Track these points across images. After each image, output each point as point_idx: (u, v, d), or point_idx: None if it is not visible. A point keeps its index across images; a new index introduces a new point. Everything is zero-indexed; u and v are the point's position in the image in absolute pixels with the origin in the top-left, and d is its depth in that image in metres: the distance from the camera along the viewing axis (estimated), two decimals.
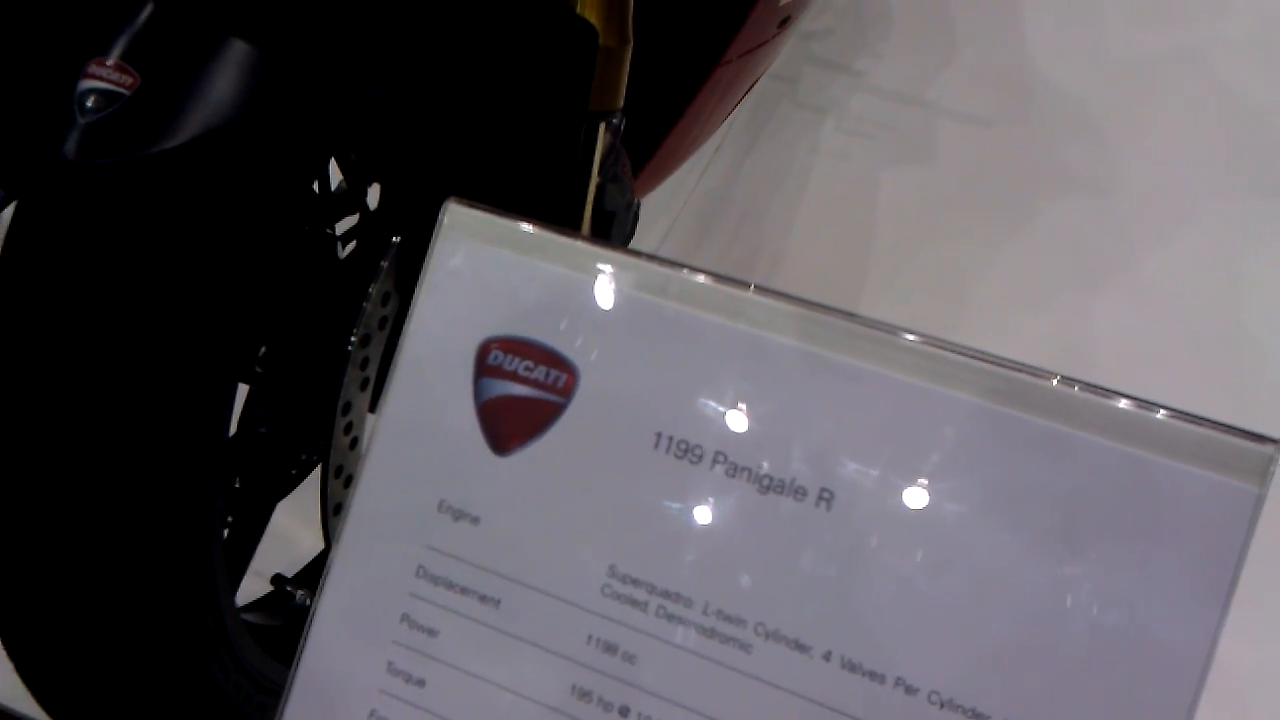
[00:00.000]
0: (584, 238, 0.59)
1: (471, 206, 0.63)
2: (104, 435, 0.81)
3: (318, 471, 1.11)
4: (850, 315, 0.58)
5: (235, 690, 0.95)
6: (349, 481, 1.10)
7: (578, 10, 0.98)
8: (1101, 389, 0.54)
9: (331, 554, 0.63)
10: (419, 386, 0.63)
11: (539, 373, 0.61)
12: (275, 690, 1.00)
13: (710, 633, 0.57)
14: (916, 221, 1.92)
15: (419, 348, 0.63)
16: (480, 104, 1.02)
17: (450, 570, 0.61)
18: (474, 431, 0.62)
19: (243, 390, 1.03)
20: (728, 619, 0.57)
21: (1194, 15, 2.15)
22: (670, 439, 0.59)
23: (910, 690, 0.54)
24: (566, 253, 0.61)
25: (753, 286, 0.59)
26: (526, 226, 0.62)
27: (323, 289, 1.04)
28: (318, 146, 0.90)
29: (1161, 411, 0.54)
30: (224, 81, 0.80)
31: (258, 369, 1.06)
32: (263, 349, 1.05)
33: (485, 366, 0.62)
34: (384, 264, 1.03)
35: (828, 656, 0.55)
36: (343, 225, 1.10)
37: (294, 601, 1.13)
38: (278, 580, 1.13)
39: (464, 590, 0.61)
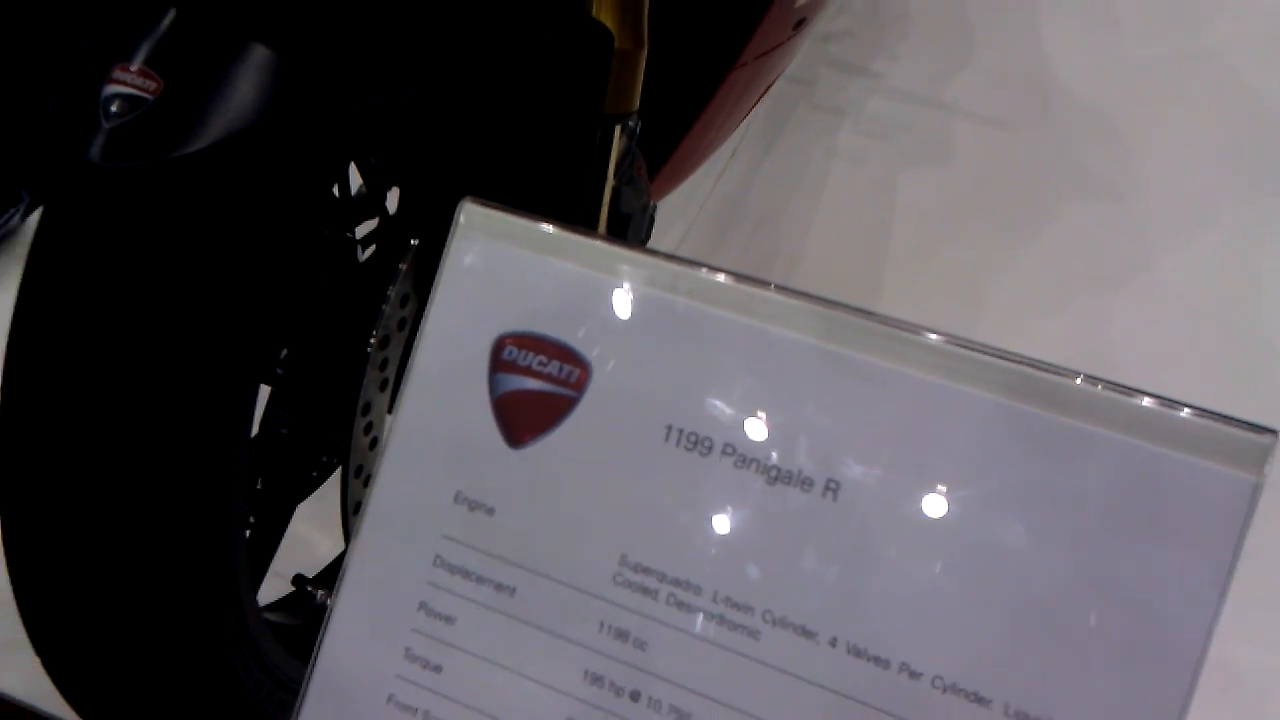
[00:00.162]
0: (596, 235, 0.61)
1: (486, 206, 0.64)
2: (129, 435, 0.82)
3: (337, 474, 1.12)
4: (856, 310, 0.59)
5: (257, 687, 0.96)
6: (369, 481, 1.11)
7: (593, 13, 0.99)
8: (1103, 382, 0.55)
9: (351, 545, 0.64)
10: (436, 381, 0.64)
11: (552, 367, 0.62)
12: (295, 688, 1.00)
13: (719, 620, 0.58)
14: (933, 224, 1.92)
15: (436, 344, 0.64)
16: (496, 107, 1.02)
17: (466, 560, 0.63)
18: (489, 425, 0.63)
19: (264, 393, 1.04)
20: (736, 606, 0.58)
21: (1208, 18, 2.15)
22: (680, 431, 0.60)
23: (914, 675, 0.55)
24: (579, 250, 0.63)
25: (773, 285, 0.60)
26: (540, 225, 0.63)
27: (343, 292, 1.05)
28: (337, 150, 0.91)
29: (1161, 403, 0.55)
30: (245, 86, 0.81)
31: (279, 371, 1.07)
32: (284, 351, 1.06)
33: (500, 362, 0.63)
34: (402, 266, 1.04)
35: (834, 643, 0.56)
36: (362, 229, 1.11)
37: (314, 601, 1.14)
38: (299, 580, 1.14)
39: (480, 579, 0.62)
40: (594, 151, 1.04)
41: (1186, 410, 0.54)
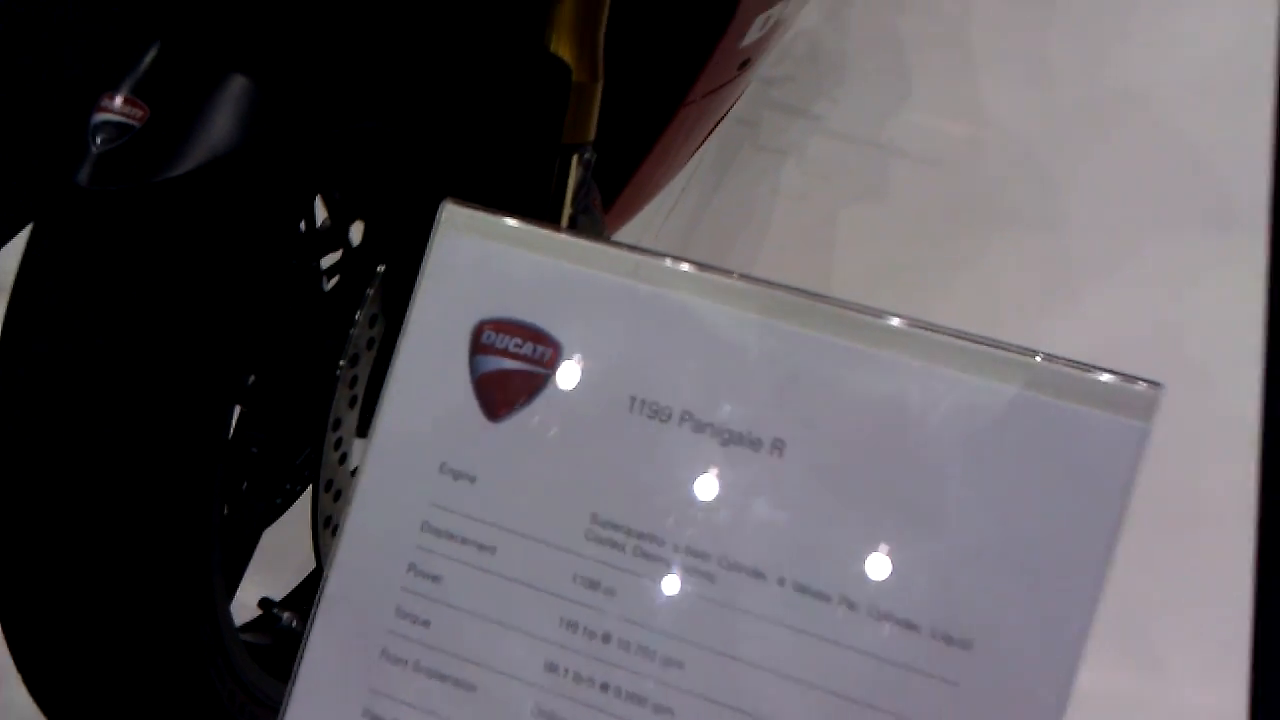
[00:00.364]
0: (565, 230, 0.68)
1: (466, 205, 0.71)
2: (112, 449, 0.84)
3: (306, 496, 1.13)
4: (799, 290, 0.66)
5: (230, 699, 0.98)
6: (339, 496, 1.13)
7: (551, 48, 1.02)
8: (1014, 346, 0.63)
9: (345, 513, 0.69)
10: (421, 364, 0.69)
11: (526, 348, 0.68)
12: (268, 703, 1.02)
13: (680, 567, 0.65)
14: (872, 258, 1.97)
15: (421, 330, 0.70)
16: (458, 137, 1.05)
17: (451, 524, 0.68)
18: (470, 402, 0.69)
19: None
20: (695, 554, 0.64)
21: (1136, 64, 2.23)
22: (642, 402, 0.66)
23: (852, 606, 0.62)
24: (550, 244, 0.69)
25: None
26: (514, 222, 0.70)
27: (308, 319, 1.08)
28: (307, 179, 0.93)
29: (1068, 363, 0.62)
30: (226, 113, 0.84)
31: (250, 392, 1.08)
32: (251, 378, 1.07)
33: (479, 345, 0.69)
34: (370, 292, 1.06)
35: (781, 582, 0.63)
36: (327, 261, 1.11)
37: (280, 624, 1.15)
38: (265, 604, 1.16)
39: (464, 540, 0.68)
40: (552, 179, 1.08)
41: (1085, 367, 0.62)
